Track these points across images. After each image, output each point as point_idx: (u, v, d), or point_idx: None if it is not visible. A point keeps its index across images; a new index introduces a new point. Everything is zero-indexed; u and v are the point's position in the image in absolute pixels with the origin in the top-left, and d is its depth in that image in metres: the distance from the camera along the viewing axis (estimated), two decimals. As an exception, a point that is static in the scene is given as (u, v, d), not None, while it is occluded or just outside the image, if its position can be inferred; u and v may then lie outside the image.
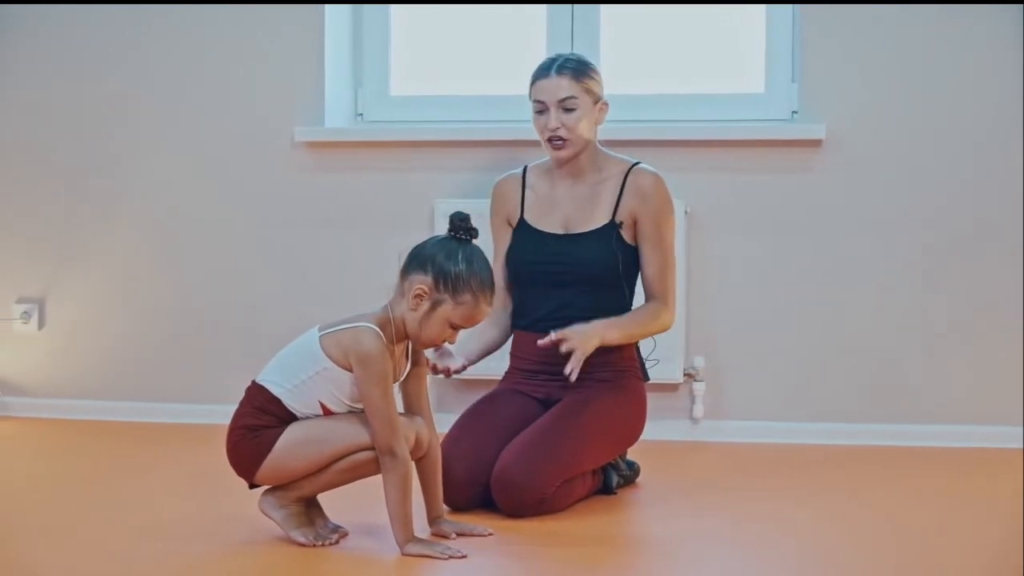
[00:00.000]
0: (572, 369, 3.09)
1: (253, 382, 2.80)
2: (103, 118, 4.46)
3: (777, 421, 4.15)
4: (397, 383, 2.80)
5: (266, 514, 2.80)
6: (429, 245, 2.78)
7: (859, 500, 3.33)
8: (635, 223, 3.33)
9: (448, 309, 2.73)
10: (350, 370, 2.71)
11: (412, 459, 2.77)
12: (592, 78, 3.32)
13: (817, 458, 3.90)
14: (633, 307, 3.36)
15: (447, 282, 2.72)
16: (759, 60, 4.25)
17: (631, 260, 3.33)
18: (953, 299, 4.09)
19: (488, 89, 4.41)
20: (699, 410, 4.17)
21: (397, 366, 2.78)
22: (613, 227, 3.31)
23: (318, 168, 4.36)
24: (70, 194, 4.49)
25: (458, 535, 2.84)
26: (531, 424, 3.19)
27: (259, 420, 2.76)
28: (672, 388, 4.16)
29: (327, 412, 2.76)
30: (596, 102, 3.33)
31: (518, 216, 3.41)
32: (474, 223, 2.80)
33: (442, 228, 3.97)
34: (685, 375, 4.14)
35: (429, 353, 3.06)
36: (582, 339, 3.13)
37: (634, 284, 3.35)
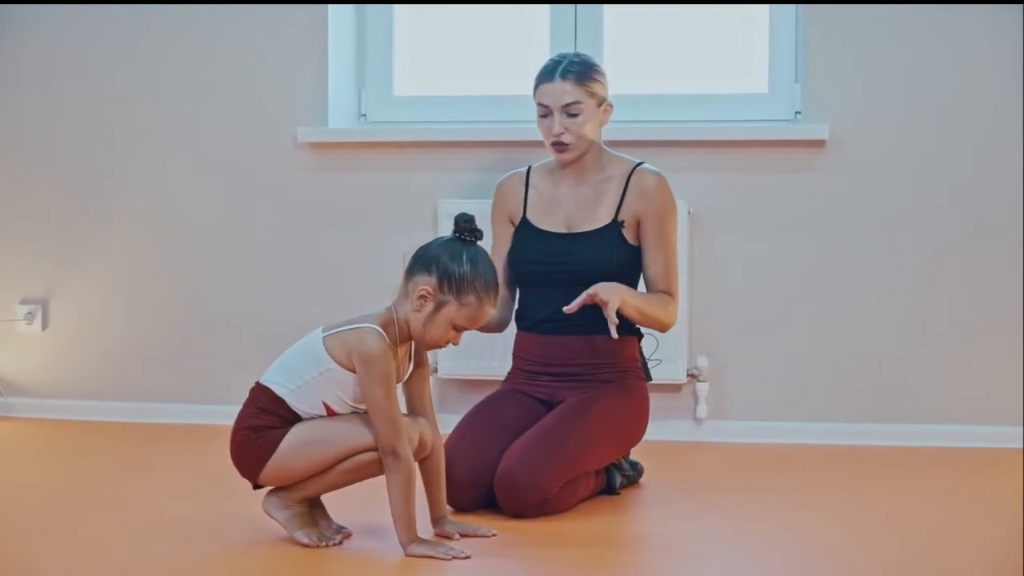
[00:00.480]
0: (613, 324, 3.08)
1: (257, 383, 2.81)
2: (106, 118, 4.46)
3: (780, 421, 4.15)
4: (400, 384, 2.80)
5: (270, 515, 2.81)
6: (434, 246, 2.78)
7: (861, 500, 3.33)
8: (638, 223, 3.32)
9: (452, 310, 2.73)
10: (353, 371, 2.71)
11: (415, 460, 2.77)
12: (596, 80, 3.31)
13: (819, 458, 3.90)
14: None
15: (451, 283, 2.72)
16: (762, 60, 4.25)
17: (633, 260, 3.33)
18: (954, 299, 4.09)
19: (491, 89, 4.41)
20: (702, 410, 4.17)
21: (400, 367, 2.78)
22: (616, 226, 3.31)
23: (321, 168, 4.36)
24: (73, 195, 4.49)
25: (461, 536, 2.84)
26: (534, 424, 3.19)
27: (263, 421, 2.76)
28: (675, 388, 4.16)
29: (331, 413, 2.77)
30: (600, 104, 3.32)
31: (520, 215, 3.41)
32: (479, 224, 2.80)
33: (445, 228, 3.98)
34: (688, 375, 4.14)
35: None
36: (610, 292, 3.11)
37: (636, 284, 3.35)
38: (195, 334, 4.44)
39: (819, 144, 4.12)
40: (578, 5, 4.32)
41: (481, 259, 2.76)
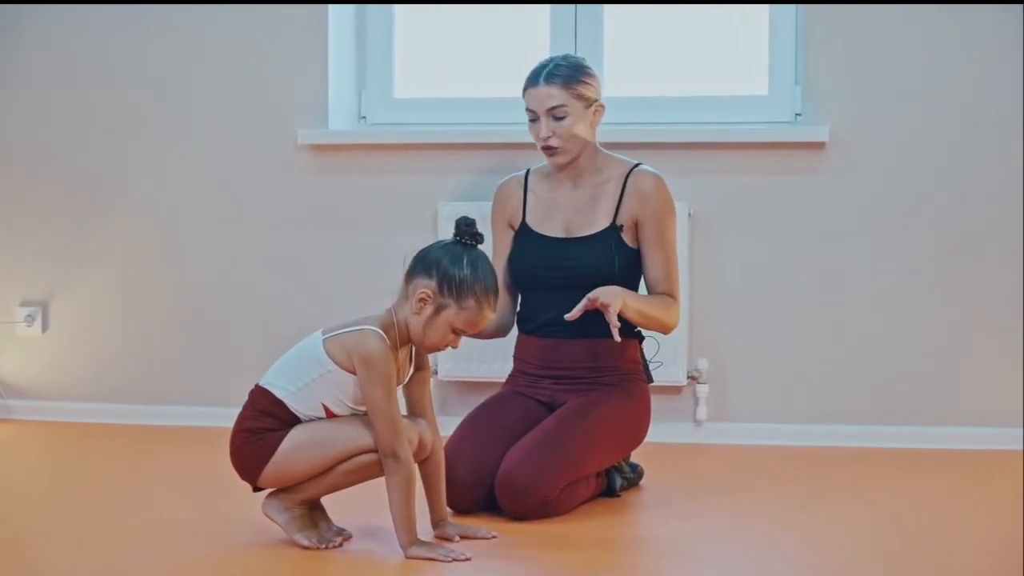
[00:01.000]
0: (615, 328, 3.07)
1: (256, 385, 2.81)
2: (106, 120, 4.46)
3: (780, 423, 4.15)
4: (400, 386, 2.80)
5: (270, 517, 2.81)
6: (434, 249, 2.78)
7: (861, 502, 3.33)
8: (636, 225, 3.32)
9: (452, 314, 2.73)
10: (354, 373, 2.71)
11: (415, 462, 2.77)
12: (583, 82, 3.28)
13: (819, 460, 3.90)
14: None
15: (451, 287, 2.72)
16: (762, 62, 4.25)
17: (632, 263, 3.33)
18: (954, 301, 4.09)
19: (492, 91, 4.41)
20: (702, 412, 4.16)
21: (400, 369, 2.78)
22: (614, 230, 3.31)
23: (321, 170, 4.36)
24: (74, 197, 4.49)
25: (461, 538, 2.84)
26: (535, 427, 3.19)
27: (262, 423, 2.76)
28: (675, 390, 4.16)
29: (330, 415, 2.77)
30: (590, 106, 3.30)
31: (520, 219, 3.40)
32: (479, 228, 2.80)
33: (445, 231, 3.98)
34: (688, 377, 4.14)
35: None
36: (611, 296, 3.11)
37: (636, 287, 3.35)
38: (195, 336, 4.44)
39: (819, 146, 4.12)
40: (578, 6, 4.32)
41: (481, 263, 2.76)
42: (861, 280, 4.12)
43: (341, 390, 2.74)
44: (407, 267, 2.79)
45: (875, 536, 2.96)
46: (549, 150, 3.29)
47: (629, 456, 3.42)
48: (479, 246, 2.79)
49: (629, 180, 3.33)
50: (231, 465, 2.81)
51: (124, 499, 3.31)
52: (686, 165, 4.15)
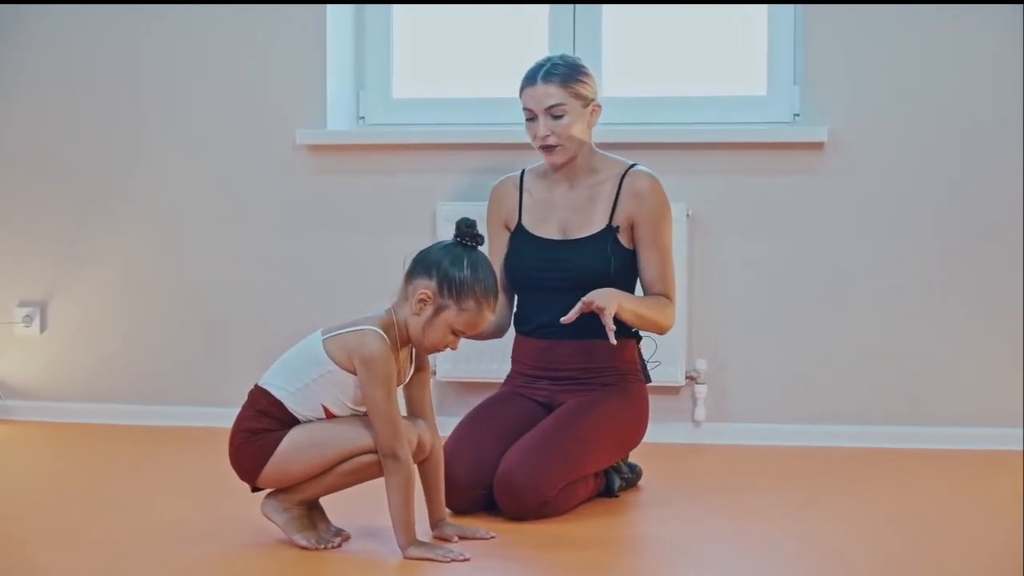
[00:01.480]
0: (611, 331, 3.07)
1: (256, 385, 2.81)
2: (104, 121, 4.46)
3: (779, 423, 4.15)
4: (400, 387, 2.80)
5: (268, 517, 2.81)
6: (434, 250, 2.78)
7: (861, 502, 3.33)
8: (632, 226, 3.32)
9: (451, 315, 2.73)
10: (354, 373, 2.71)
11: (414, 462, 2.77)
12: (581, 82, 3.28)
13: (818, 460, 3.90)
14: None
15: (451, 288, 2.72)
16: (761, 62, 4.25)
17: (629, 264, 3.32)
18: (954, 301, 4.09)
19: (490, 92, 4.41)
20: (701, 413, 4.16)
21: (401, 370, 2.78)
22: (610, 231, 3.30)
23: (320, 171, 4.36)
24: (72, 197, 4.49)
25: (460, 538, 2.84)
26: (533, 427, 3.19)
27: (261, 423, 2.76)
28: (674, 391, 4.16)
29: (330, 415, 2.77)
30: (587, 105, 3.30)
31: (516, 221, 3.40)
32: (480, 229, 2.80)
33: (444, 231, 3.98)
34: (687, 377, 4.14)
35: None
36: (606, 298, 3.11)
37: (633, 288, 3.35)
38: (194, 336, 4.44)
39: (818, 146, 4.12)
40: (576, 6, 4.32)
41: (481, 265, 2.76)
42: (860, 280, 4.12)
43: (341, 390, 2.74)
44: (407, 268, 2.79)
45: (875, 536, 2.96)
46: (547, 149, 3.29)
47: (627, 456, 3.41)
48: (479, 247, 2.79)
49: (625, 181, 3.33)
50: (230, 465, 2.81)
51: (123, 499, 3.31)
52: (685, 165, 4.15)
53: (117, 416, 4.44)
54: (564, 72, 3.27)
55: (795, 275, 4.15)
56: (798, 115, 4.20)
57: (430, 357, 2.95)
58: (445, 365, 4.15)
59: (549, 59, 3.32)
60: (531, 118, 3.30)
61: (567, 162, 3.32)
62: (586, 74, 3.31)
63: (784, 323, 4.16)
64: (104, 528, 2.98)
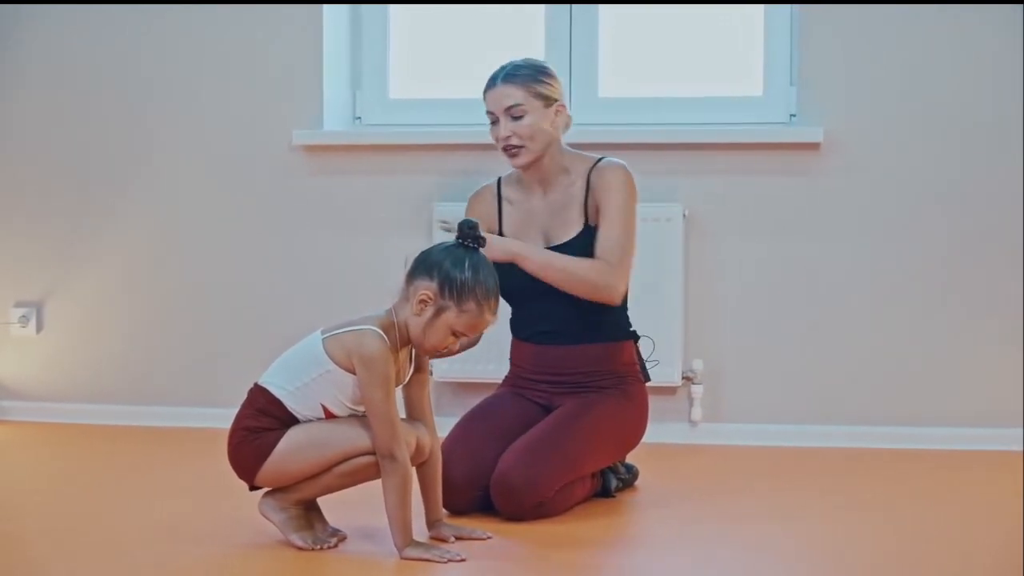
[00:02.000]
0: None
1: (255, 384, 2.80)
2: (101, 120, 4.46)
3: (775, 424, 4.15)
4: (400, 387, 2.80)
5: (266, 516, 2.80)
6: (436, 251, 2.77)
7: (858, 502, 3.33)
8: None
9: (452, 316, 2.73)
10: (353, 372, 2.71)
11: (413, 464, 2.77)
12: (542, 82, 3.25)
13: (815, 461, 3.90)
14: (628, 307, 3.36)
15: (452, 289, 2.71)
16: (757, 63, 4.25)
17: None
18: (952, 301, 4.09)
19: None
20: (697, 413, 4.17)
21: (400, 370, 2.78)
22: (589, 231, 3.26)
23: (316, 171, 4.36)
24: (68, 197, 4.48)
25: (457, 538, 2.84)
26: (531, 427, 3.18)
27: (260, 422, 2.76)
28: (670, 391, 4.16)
29: (329, 415, 2.76)
30: (550, 105, 3.25)
31: (497, 230, 3.36)
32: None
33: (440, 232, 3.97)
34: (683, 378, 4.14)
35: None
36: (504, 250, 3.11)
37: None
38: (190, 337, 4.43)
39: (814, 147, 4.12)
40: (573, 6, 4.32)
41: (483, 266, 2.75)
42: (856, 280, 4.13)
43: (340, 390, 2.74)
44: (408, 268, 2.79)
45: (873, 537, 2.96)
46: (509, 149, 3.25)
47: (624, 456, 3.41)
48: (481, 249, 2.78)
49: (592, 177, 3.29)
50: (228, 464, 2.81)
51: (120, 500, 3.30)
52: (681, 166, 4.16)
53: (114, 417, 4.44)
54: (524, 73, 3.25)
55: (791, 275, 4.15)
56: (794, 116, 4.20)
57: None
58: (442, 365, 4.14)
59: (510, 62, 3.30)
60: (494, 121, 3.27)
61: (531, 163, 3.27)
62: (548, 75, 3.28)
63: (781, 323, 4.16)
64: (101, 528, 2.98)
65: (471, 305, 2.73)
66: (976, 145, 4.07)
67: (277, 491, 2.80)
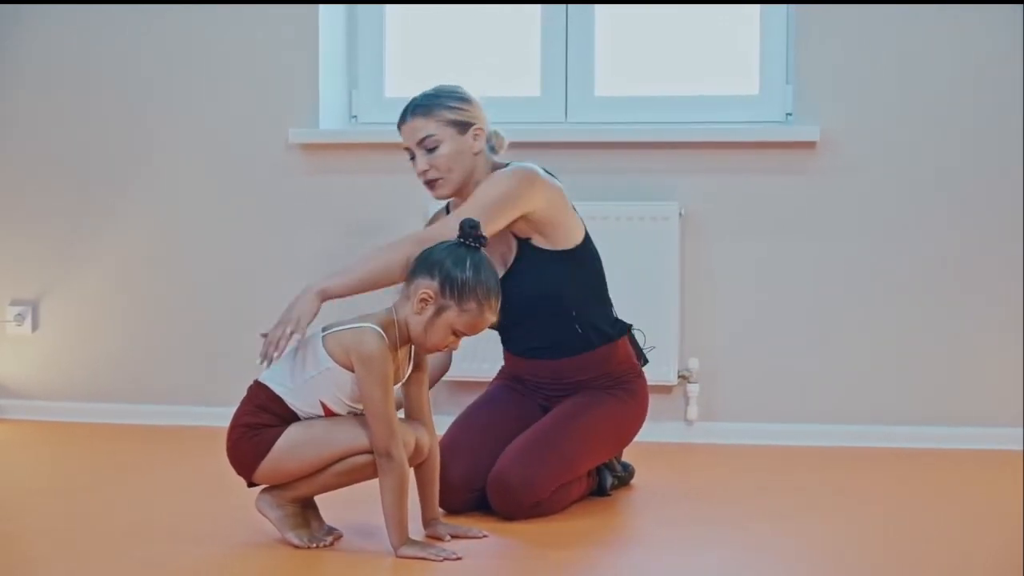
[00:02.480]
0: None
1: (255, 381, 2.80)
2: (98, 119, 4.45)
3: (771, 423, 4.16)
4: (399, 386, 2.80)
5: (262, 513, 2.80)
6: (437, 250, 2.77)
7: (856, 502, 3.33)
8: (521, 216, 3.14)
9: (452, 315, 2.72)
10: (352, 370, 2.71)
11: (411, 465, 2.77)
12: (452, 108, 3.15)
13: (812, 460, 3.91)
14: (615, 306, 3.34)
15: (453, 288, 2.71)
16: (753, 61, 4.25)
17: (559, 258, 3.18)
18: (950, 300, 4.09)
19: (482, 90, 4.38)
20: (693, 412, 4.17)
21: (399, 369, 2.78)
22: (526, 243, 3.18)
23: (312, 170, 4.36)
24: (65, 196, 4.48)
25: (453, 537, 2.84)
26: (530, 425, 3.18)
27: (260, 419, 2.76)
28: (666, 390, 4.16)
29: (328, 412, 2.76)
30: (465, 131, 3.16)
31: None
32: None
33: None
34: (679, 377, 4.15)
35: None
36: (292, 314, 2.82)
37: (594, 270, 3.26)
38: (186, 336, 4.43)
39: (810, 146, 4.12)
40: (569, 5, 4.32)
41: (484, 266, 2.75)
42: (852, 279, 4.13)
43: (339, 387, 2.74)
44: (410, 266, 2.78)
45: (871, 536, 2.96)
46: (430, 184, 3.19)
47: (621, 454, 3.41)
48: (482, 248, 2.77)
49: None
50: (226, 460, 2.81)
51: (117, 499, 3.30)
52: (677, 165, 4.16)
53: (110, 415, 4.44)
54: (433, 103, 3.16)
55: (787, 274, 4.15)
56: (790, 114, 4.20)
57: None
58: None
59: (421, 93, 3.21)
60: (411, 156, 3.20)
61: (454, 193, 3.20)
62: (460, 100, 3.18)
63: (776, 322, 4.16)
64: (99, 527, 2.98)
65: (472, 304, 2.72)
66: (974, 143, 4.07)
67: (274, 488, 2.80)
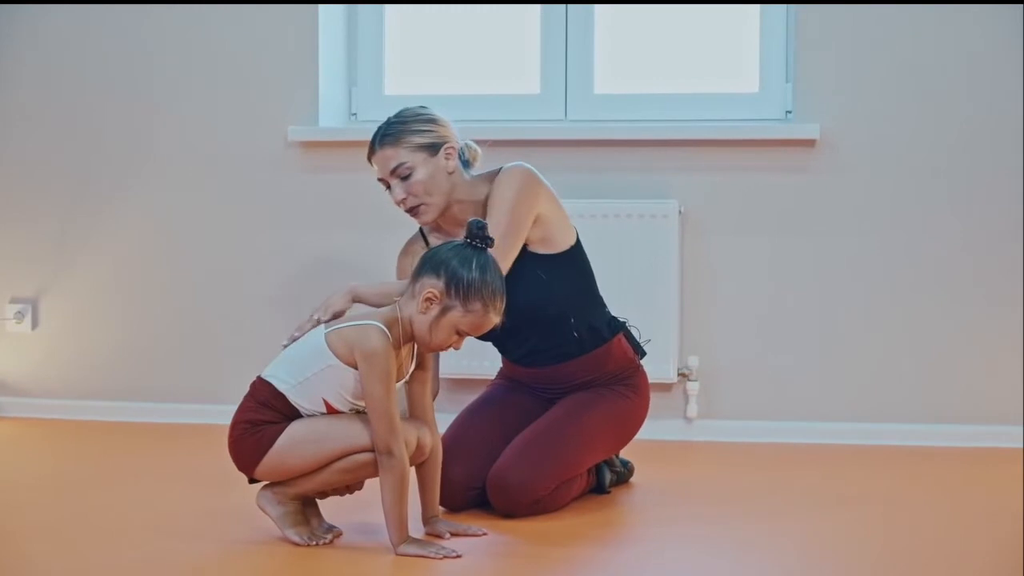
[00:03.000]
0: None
1: (258, 377, 2.80)
2: (96, 117, 4.45)
3: (771, 420, 4.16)
4: (402, 384, 2.80)
5: (263, 510, 2.80)
6: (444, 250, 2.76)
7: (856, 500, 3.33)
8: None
9: (457, 316, 2.72)
10: (355, 367, 2.71)
11: (413, 464, 2.77)
12: (418, 132, 3.12)
13: (811, 457, 3.91)
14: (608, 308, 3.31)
15: (459, 289, 2.70)
16: (753, 59, 4.25)
17: (557, 258, 3.18)
18: (949, 297, 4.09)
19: (481, 88, 4.41)
20: (693, 409, 4.17)
21: (402, 367, 2.78)
22: (523, 251, 3.13)
23: (312, 168, 4.36)
24: (63, 194, 4.48)
25: (452, 535, 2.84)
26: (531, 423, 3.18)
27: (262, 415, 2.76)
28: (666, 388, 4.16)
29: (331, 409, 2.76)
30: (436, 152, 3.12)
31: None
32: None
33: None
34: (679, 374, 4.15)
35: None
36: (327, 304, 2.95)
37: (586, 274, 3.24)
38: (185, 333, 4.43)
39: (810, 144, 4.12)
40: (569, 5, 4.31)
41: (491, 267, 2.74)
42: (851, 277, 4.13)
43: (342, 384, 2.73)
44: (416, 265, 2.78)
45: (871, 533, 2.96)
46: (412, 211, 3.15)
47: (619, 451, 3.41)
48: (489, 249, 2.76)
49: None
50: (226, 456, 2.80)
51: (115, 496, 3.30)
52: (676, 162, 4.16)
53: (109, 413, 4.43)
54: (398, 130, 3.12)
55: (787, 272, 4.15)
56: (790, 112, 4.20)
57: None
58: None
59: (386, 120, 3.17)
60: (387, 186, 3.17)
61: (439, 215, 3.16)
62: (425, 121, 3.15)
63: (776, 320, 4.16)
64: (97, 525, 2.98)
65: (477, 305, 2.72)
66: (974, 142, 4.07)
67: (275, 485, 2.80)
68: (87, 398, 4.47)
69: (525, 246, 3.14)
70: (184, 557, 2.70)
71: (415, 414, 2.86)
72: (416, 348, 2.81)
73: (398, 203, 3.15)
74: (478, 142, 4.29)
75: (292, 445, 2.74)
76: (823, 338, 4.14)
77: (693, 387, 4.16)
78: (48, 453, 3.98)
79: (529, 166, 3.17)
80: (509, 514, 3.05)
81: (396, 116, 3.18)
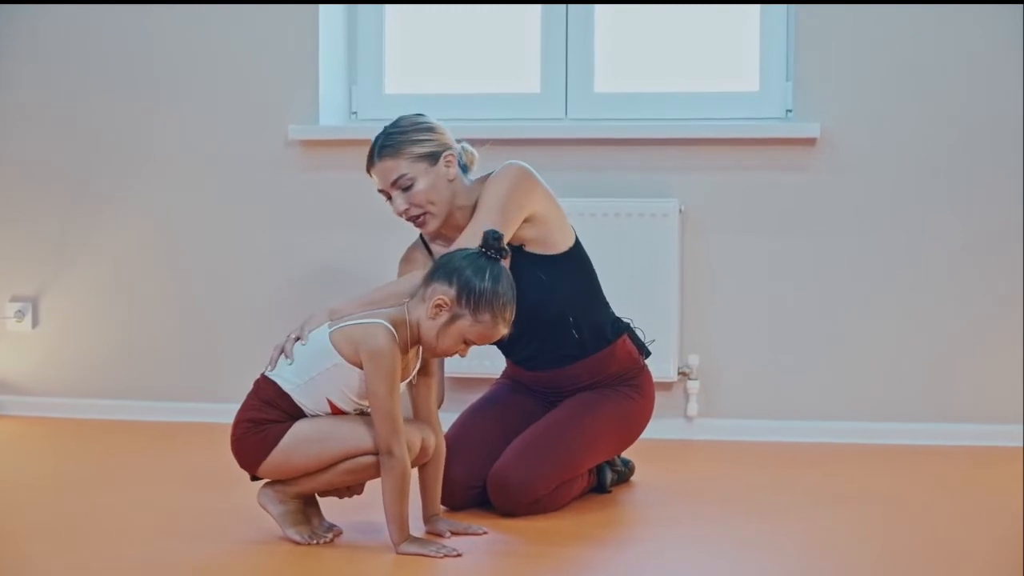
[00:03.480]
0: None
1: (262, 375, 2.80)
2: (96, 116, 4.45)
3: (771, 419, 4.16)
4: (407, 386, 2.80)
5: (264, 508, 2.81)
6: (458, 257, 2.75)
7: (856, 498, 3.33)
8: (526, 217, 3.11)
9: (466, 325, 2.72)
10: (359, 366, 2.70)
11: (416, 465, 2.77)
12: (417, 142, 3.10)
13: (812, 456, 3.91)
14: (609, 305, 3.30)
15: (469, 298, 2.70)
16: (754, 58, 4.25)
17: (556, 259, 3.17)
18: (950, 297, 4.09)
19: (481, 87, 4.41)
20: (693, 408, 4.17)
21: (407, 368, 2.77)
22: (518, 251, 3.12)
23: (312, 166, 4.36)
24: (64, 193, 4.48)
25: (453, 534, 2.84)
26: (533, 423, 3.17)
27: (266, 414, 2.76)
28: (666, 386, 4.16)
29: (335, 409, 2.76)
30: (436, 161, 3.10)
31: None
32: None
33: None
34: (679, 373, 4.15)
35: None
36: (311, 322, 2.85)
37: (587, 275, 3.23)
38: (185, 332, 4.43)
39: (810, 142, 4.12)
40: (569, 4, 4.31)
41: (503, 278, 2.73)
42: (852, 275, 4.13)
43: (347, 384, 2.73)
44: (428, 269, 2.78)
45: (871, 532, 2.96)
46: (415, 220, 3.13)
47: (622, 452, 3.41)
48: (503, 260, 2.75)
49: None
50: (227, 456, 2.80)
51: (116, 495, 3.30)
52: (677, 161, 4.16)
53: (109, 411, 4.43)
54: (395, 141, 3.09)
55: (787, 271, 4.15)
56: (791, 111, 4.20)
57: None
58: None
59: (383, 131, 3.14)
60: (388, 197, 3.14)
61: (443, 224, 3.14)
62: (422, 130, 3.12)
63: (776, 319, 4.16)
64: (97, 524, 2.98)
65: (486, 316, 2.71)
66: (974, 141, 4.07)
67: (277, 483, 2.80)
68: (87, 397, 4.47)
69: (523, 247, 3.14)
70: (184, 557, 2.70)
71: (420, 417, 2.86)
72: (422, 352, 2.80)
73: (400, 214, 3.13)
74: (478, 141, 4.29)
75: (297, 444, 2.74)
76: (823, 337, 4.14)
77: (693, 386, 4.16)
78: (48, 452, 3.98)
79: (525, 164, 3.16)
80: (509, 513, 3.05)
81: (393, 126, 3.15)
